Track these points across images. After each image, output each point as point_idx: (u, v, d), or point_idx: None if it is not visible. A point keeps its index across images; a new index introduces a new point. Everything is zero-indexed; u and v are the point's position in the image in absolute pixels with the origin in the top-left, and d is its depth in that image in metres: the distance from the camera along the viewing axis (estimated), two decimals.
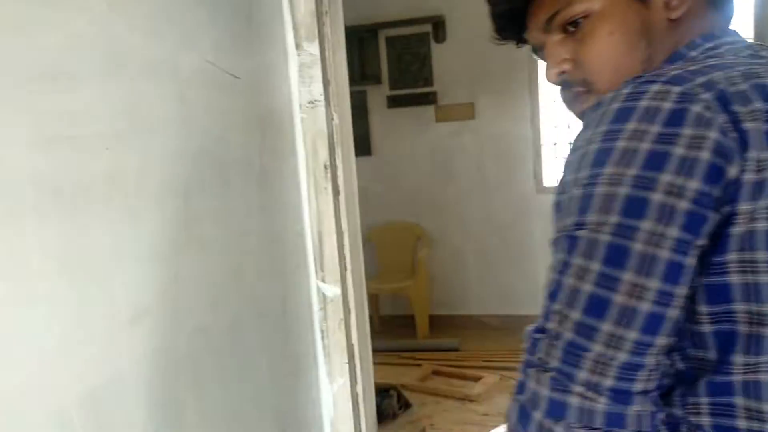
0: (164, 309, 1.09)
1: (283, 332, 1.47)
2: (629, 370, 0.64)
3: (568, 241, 0.67)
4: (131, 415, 1.03)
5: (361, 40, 4.78)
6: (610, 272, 0.63)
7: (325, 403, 1.59)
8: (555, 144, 4.75)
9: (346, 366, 1.59)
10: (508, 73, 4.43)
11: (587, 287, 0.64)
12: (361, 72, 4.83)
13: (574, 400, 0.64)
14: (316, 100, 1.51)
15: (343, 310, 1.57)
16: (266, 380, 1.39)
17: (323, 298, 1.58)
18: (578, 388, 0.64)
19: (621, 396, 0.64)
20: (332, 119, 1.55)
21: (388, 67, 4.83)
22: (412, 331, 4.71)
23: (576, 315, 0.65)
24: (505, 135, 4.57)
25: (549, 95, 4.62)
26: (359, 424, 1.61)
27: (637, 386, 0.64)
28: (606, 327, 0.63)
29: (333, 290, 1.57)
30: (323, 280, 1.57)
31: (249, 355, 1.33)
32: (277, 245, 1.45)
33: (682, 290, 0.63)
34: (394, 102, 4.82)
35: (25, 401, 0.85)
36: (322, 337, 1.59)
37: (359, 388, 1.62)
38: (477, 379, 4.10)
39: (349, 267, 1.59)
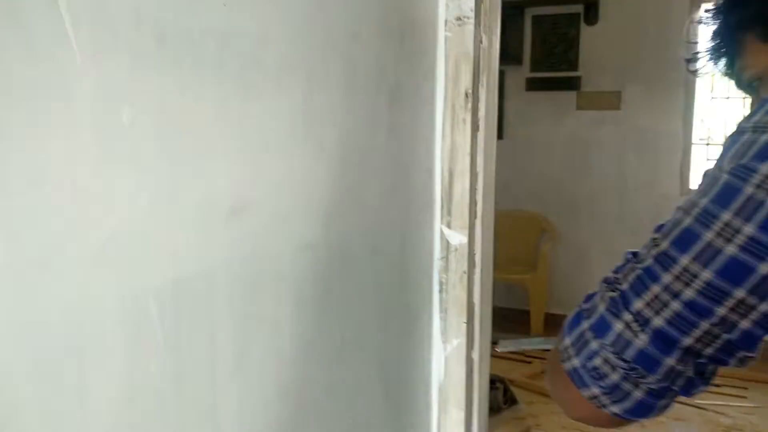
0: (268, 210, 0.94)
1: (398, 277, 1.29)
2: (684, 319, 0.62)
3: (706, 180, 0.64)
4: (214, 320, 0.88)
5: (504, 18, 4.55)
6: (712, 209, 0.61)
7: (435, 364, 1.40)
8: (707, 144, 4.31)
9: (464, 326, 1.39)
10: (661, 62, 4.04)
11: (687, 220, 0.62)
12: (501, 51, 4.60)
13: (618, 326, 0.65)
14: (465, 17, 1.32)
15: (468, 263, 1.37)
16: (373, 325, 1.22)
17: (446, 245, 1.39)
18: (628, 316, 0.64)
19: (663, 342, 0.63)
20: (480, 41, 1.35)
21: (531, 47, 4.56)
22: (525, 327, 4.45)
23: (665, 244, 0.63)
24: (651, 129, 4.19)
25: (707, 89, 4.19)
26: (471, 394, 1.41)
27: (686, 341, 0.62)
28: (684, 259, 0.61)
29: (459, 238, 1.37)
30: (449, 226, 1.38)
31: (358, 290, 1.16)
32: (403, 175, 1.27)
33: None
34: (533, 84, 4.55)
35: (97, 276, 0.72)
36: (441, 290, 1.40)
37: (475, 354, 1.42)
38: None
39: (479, 214, 1.39)
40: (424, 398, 1.40)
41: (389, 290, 1.26)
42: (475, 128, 1.36)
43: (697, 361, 0.64)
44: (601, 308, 0.67)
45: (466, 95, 1.34)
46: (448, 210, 1.38)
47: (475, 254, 1.39)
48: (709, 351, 0.63)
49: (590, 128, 4.33)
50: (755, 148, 0.60)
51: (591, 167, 4.32)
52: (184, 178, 0.81)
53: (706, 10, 0.81)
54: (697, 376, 0.65)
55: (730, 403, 3.53)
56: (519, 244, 4.50)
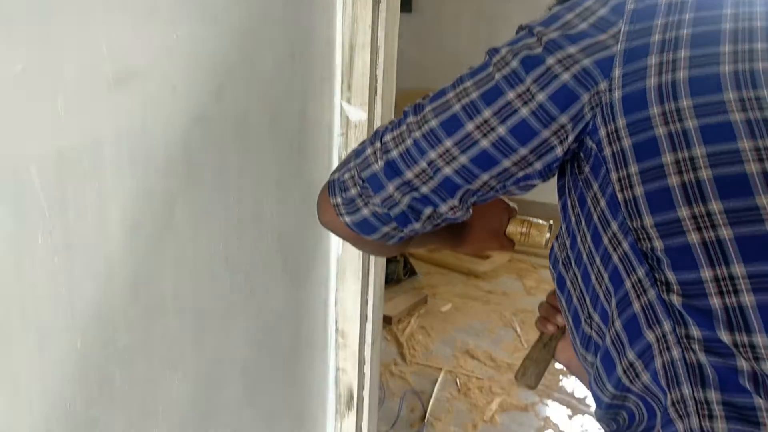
0: (157, 80, 0.91)
1: (298, 151, 1.29)
2: (410, 156, 0.72)
3: (485, 59, 0.73)
4: (103, 192, 0.86)
5: None
6: (480, 104, 0.70)
7: (334, 236, 1.44)
8: None
9: None
10: None
11: (456, 107, 0.71)
12: None
13: (369, 151, 0.75)
14: None
15: None
16: (271, 199, 1.22)
17: (346, 121, 1.39)
18: (377, 144, 0.75)
19: (391, 170, 0.73)
20: None
21: None
22: None
23: (431, 118, 0.72)
24: None
25: None
26: (368, 266, 1.47)
27: (408, 174, 0.72)
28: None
29: (358, 114, 1.37)
30: (348, 101, 1.38)
31: (254, 163, 1.15)
32: (301, 46, 1.24)
33: (525, 150, 0.69)
34: None
35: None
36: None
37: None
38: (486, 257, 4.00)
39: (379, 91, 1.39)
40: (322, 270, 1.44)
41: (288, 164, 1.26)
42: (376, 0, 1.33)
43: (412, 197, 0.74)
44: (367, 141, 0.77)
45: None
46: (348, 85, 1.37)
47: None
48: (424, 189, 0.73)
49: (497, 2, 4.31)
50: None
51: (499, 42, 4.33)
52: (63, 43, 0.77)
53: None
54: (410, 212, 0.75)
55: None
56: None
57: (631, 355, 0.64)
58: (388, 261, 3.45)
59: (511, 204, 1.02)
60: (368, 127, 1.38)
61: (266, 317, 1.27)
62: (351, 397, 1.53)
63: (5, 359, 0.78)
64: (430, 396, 2.74)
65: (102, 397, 0.93)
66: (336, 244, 1.45)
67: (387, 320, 3.20)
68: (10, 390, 0.80)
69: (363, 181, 0.75)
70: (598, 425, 2.79)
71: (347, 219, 0.78)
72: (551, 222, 0.99)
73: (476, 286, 3.76)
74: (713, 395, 0.58)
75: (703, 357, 0.59)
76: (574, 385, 2.80)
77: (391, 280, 3.58)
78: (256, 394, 1.29)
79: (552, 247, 0.80)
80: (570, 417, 2.61)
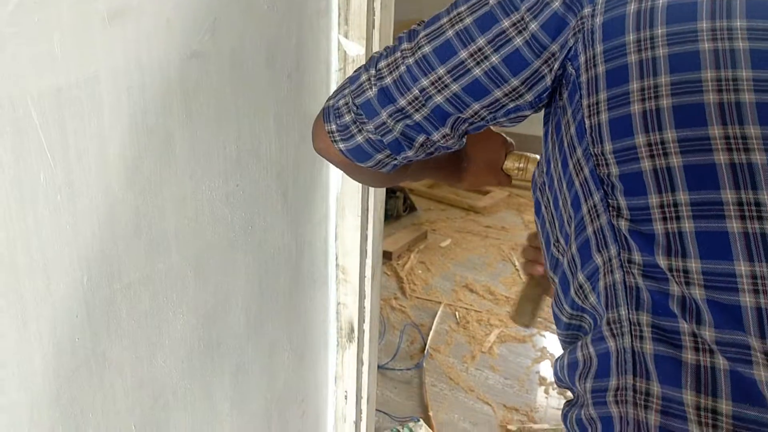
0: (150, 16, 0.89)
1: (295, 87, 1.28)
2: (404, 83, 0.72)
3: None
4: (102, 130, 0.86)
5: None
6: (474, 31, 0.69)
7: (333, 173, 1.44)
8: None
9: None
10: None
11: (450, 33, 0.71)
12: None
13: (363, 77, 0.76)
14: None
15: None
16: (270, 134, 1.22)
17: (344, 56, 1.37)
18: (372, 71, 0.75)
19: (385, 96, 0.73)
20: None
21: None
22: None
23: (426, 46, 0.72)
24: None
25: None
26: (367, 202, 1.48)
27: (401, 101, 0.73)
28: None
29: (356, 49, 1.36)
30: (346, 36, 1.36)
31: (252, 100, 1.15)
32: None
33: (516, 81, 0.70)
34: None
35: None
36: None
37: None
38: (485, 193, 4.02)
39: (377, 24, 1.37)
40: (322, 206, 1.45)
41: (285, 100, 1.25)
42: None
43: (405, 124, 0.74)
44: (362, 68, 0.78)
45: None
46: (345, 18, 1.35)
47: None
48: (416, 117, 0.74)
49: None
50: None
51: None
52: None
53: None
54: (403, 139, 0.76)
55: None
56: None
57: (581, 276, 0.67)
58: (388, 197, 3.47)
59: (509, 139, 1.03)
60: None
61: (267, 253, 1.29)
62: (352, 329, 1.57)
63: (14, 296, 0.80)
64: (430, 329, 2.80)
65: (109, 332, 0.95)
66: (335, 180, 1.46)
67: (387, 256, 3.24)
68: (20, 326, 0.82)
69: (357, 108, 0.75)
70: None
71: (341, 146, 0.79)
72: None
73: (475, 221, 3.79)
74: (645, 317, 0.61)
75: (640, 281, 0.61)
76: None
77: (390, 216, 3.61)
78: (259, 328, 1.32)
79: (533, 174, 0.81)
80: None
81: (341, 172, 1.36)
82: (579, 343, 0.67)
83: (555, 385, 2.46)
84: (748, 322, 0.56)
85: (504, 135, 1.02)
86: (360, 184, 1.44)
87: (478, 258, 3.39)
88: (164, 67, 0.93)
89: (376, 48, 1.38)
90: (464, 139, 0.79)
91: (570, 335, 0.72)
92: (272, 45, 1.17)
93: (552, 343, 2.71)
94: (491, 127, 0.87)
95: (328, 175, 1.44)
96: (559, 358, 0.70)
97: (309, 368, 1.54)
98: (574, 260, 0.68)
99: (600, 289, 0.64)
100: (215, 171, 1.09)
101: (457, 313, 2.91)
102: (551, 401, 2.38)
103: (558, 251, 0.73)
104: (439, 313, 2.90)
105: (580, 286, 0.67)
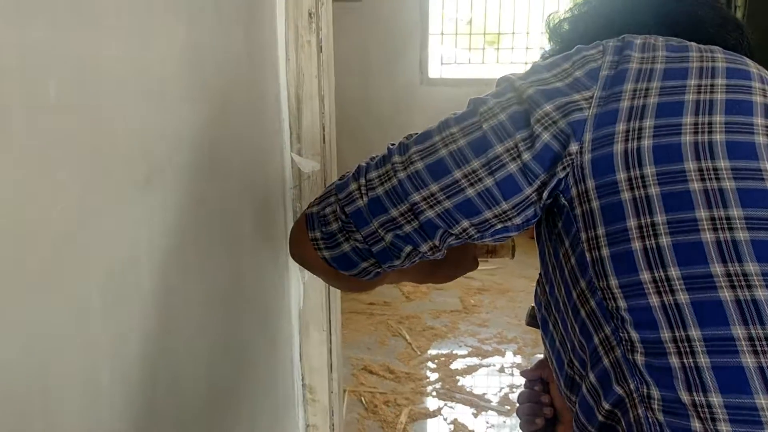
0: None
1: (250, 208, 1.24)
2: (397, 195, 0.73)
3: (469, 107, 0.74)
4: None
5: None
6: (468, 153, 0.71)
7: (294, 291, 1.40)
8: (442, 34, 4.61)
9: None
10: None
11: (443, 152, 0.72)
12: None
13: (353, 186, 0.76)
14: None
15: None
16: (231, 265, 1.17)
17: (299, 174, 1.35)
18: (362, 181, 0.75)
19: (377, 206, 0.74)
20: None
21: None
22: None
23: (419, 163, 0.73)
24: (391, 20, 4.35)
25: None
26: (330, 317, 1.44)
27: (393, 212, 0.73)
28: (434, 186, 0.72)
29: (311, 165, 1.35)
30: (299, 153, 1.34)
31: (210, 229, 1.09)
32: (258, 102, 1.19)
33: (507, 205, 0.71)
34: None
35: None
36: (295, 220, 1.37)
37: None
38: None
39: (327, 139, 1.37)
40: (287, 324, 1.40)
41: (244, 228, 1.21)
42: (319, 50, 1.31)
43: (395, 234, 0.74)
44: (351, 178, 0.77)
45: (310, 15, 1.28)
46: (298, 137, 1.34)
47: (328, 180, 1.38)
48: (407, 228, 0.74)
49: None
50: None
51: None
52: None
53: None
54: (392, 249, 0.75)
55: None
56: None
57: (607, 406, 0.68)
58: None
59: None
60: (323, 177, 1.36)
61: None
62: None
63: None
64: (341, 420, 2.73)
65: None
66: (297, 296, 1.41)
67: None
68: None
69: (346, 216, 0.75)
70: (500, 419, 2.90)
71: (326, 254, 0.77)
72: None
73: (357, 301, 3.79)
74: None
75: (661, 417, 0.63)
76: (472, 383, 2.93)
77: None
78: None
79: (536, 290, 0.82)
80: (475, 415, 2.73)
81: (302, 290, 1.34)
82: None
83: None
84: None
85: None
86: (322, 299, 1.41)
87: (369, 337, 3.39)
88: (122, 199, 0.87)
89: (329, 163, 1.38)
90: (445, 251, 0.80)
91: None
92: (228, 166, 1.13)
93: (460, 413, 2.75)
94: None
95: (290, 295, 1.40)
96: None
97: None
98: (594, 389, 0.69)
99: (624, 424, 0.66)
100: (187, 308, 1.02)
101: (362, 398, 2.87)
102: None
103: (573, 372, 0.73)
104: (345, 402, 2.84)
105: (609, 413, 0.68)
